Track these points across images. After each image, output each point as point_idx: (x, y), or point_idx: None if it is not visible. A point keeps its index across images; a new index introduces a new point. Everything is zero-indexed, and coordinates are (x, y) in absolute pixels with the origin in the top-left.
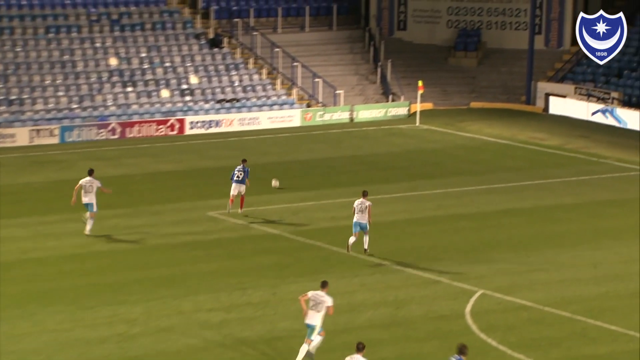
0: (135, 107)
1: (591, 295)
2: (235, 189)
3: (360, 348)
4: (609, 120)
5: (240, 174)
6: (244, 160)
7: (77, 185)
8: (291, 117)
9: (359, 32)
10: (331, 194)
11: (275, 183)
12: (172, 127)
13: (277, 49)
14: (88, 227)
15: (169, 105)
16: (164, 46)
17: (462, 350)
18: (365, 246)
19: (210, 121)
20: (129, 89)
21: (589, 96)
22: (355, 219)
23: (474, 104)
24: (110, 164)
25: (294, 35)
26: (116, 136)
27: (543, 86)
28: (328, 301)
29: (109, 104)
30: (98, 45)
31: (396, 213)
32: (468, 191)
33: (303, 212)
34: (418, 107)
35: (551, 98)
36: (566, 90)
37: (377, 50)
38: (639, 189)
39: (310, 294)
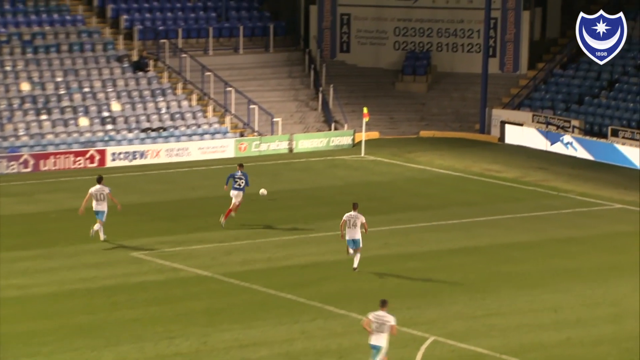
0: (50, 136)
1: (552, 342)
2: (236, 198)
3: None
4: (570, 151)
5: (242, 182)
6: (240, 165)
7: (87, 195)
8: (224, 148)
9: (298, 55)
10: (268, 232)
11: (263, 191)
12: (91, 159)
13: (208, 73)
14: (102, 235)
15: (88, 134)
16: (83, 70)
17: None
18: (355, 265)
19: (135, 152)
20: (43, 116)
21: (547, 124)
22: (347, 237)
23: (424, 133)
24: (22, 200)
25: (227, 57)
26: (29, 169)
27: (498, 113)
28: (391, 320)
29: (21, 133)
30: (8, 68)
31: (341, 253)
32: (417, 228)
33: (237, 252)
34: (363, 136)
35: (507, 126)
36: (523, 118)
37: (318, 74)
38: (602, 225)
39: (371, 316)
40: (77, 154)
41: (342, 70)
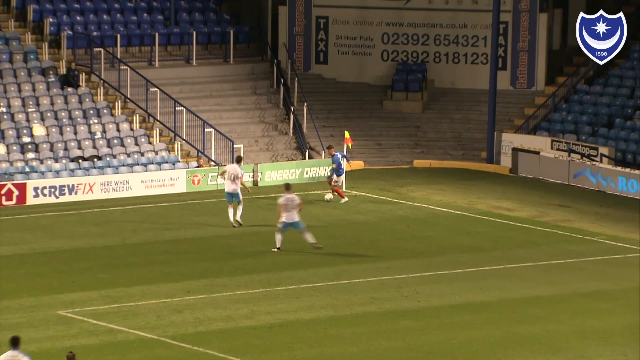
0: None
1: None
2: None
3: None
4: (597, 185)
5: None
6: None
7: (222, 171)
8: (173, 181)
9: (264, 66)
10: (226, 283)
11: (329, 197)
12: (8, 195)
13: (153, 89)
14: (239, 213)
15: (4, 165)
16: None
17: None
18: (312, 239)
19: (62, 187)
20: None
21: (570, 152)
22: (284, 219)
23: (419, 162)
24: None
25: (177, 70)
26: None
27: (510, 139)
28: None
29: None
30: None
31: (316, 309)
32: (411, 279)
33: (188, 309)
34: (344, 166)
35: (520, 155)
36: (540, 144)
37: (289, 90)
38: (636, 276)
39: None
40: None
41: (319, 86)
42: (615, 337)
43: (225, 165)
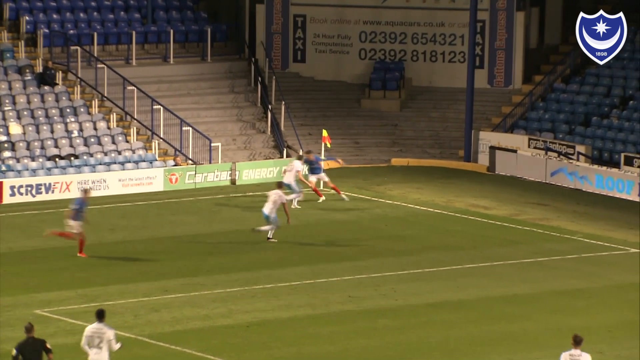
0: None
1: None
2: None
3: (578, 341)
4: (574, 183)
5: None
6: (308, 152)
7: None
8: (150, 180)
9: (241, 65)
10: (204, 282)
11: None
12: None
13: (130, 87)
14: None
15: None
16: None
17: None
18: (263, 228)
19: (39, 185)
20: None
21: (547, 150)
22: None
23: (397, 161)
24: None
25: (154, 68)
26: None
27: (487, 137)
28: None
29: None
30: None
31: (294, 308)
32: (389, 278)
33: (166, 308)
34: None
35: (498, 153)
36: (517, 143)
37: (267, 88)
38: (614, 275)
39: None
40: None
41: (296, 84)
42: (592, 335)
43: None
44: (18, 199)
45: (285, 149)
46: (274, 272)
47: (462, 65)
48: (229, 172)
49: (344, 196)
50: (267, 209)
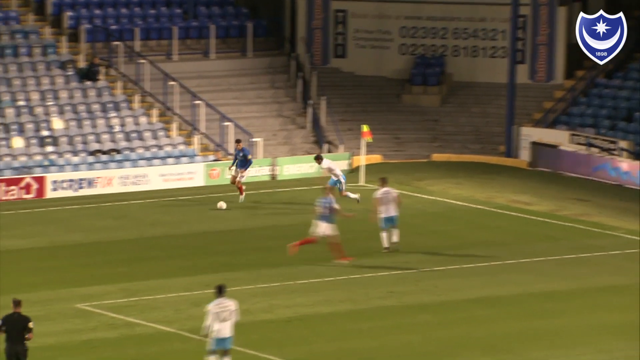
0: None
1: None
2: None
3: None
4: (617, 179)
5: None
6: (237, 141)
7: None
8: (191, 174)
9: (282, 60)
10: (244, 277)
11: (221, 204)
12: (27, 188)
13: (172, 82)
14: (395, 238)
15: (23, 158)
16: (17, 78)
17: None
18: (396, 239)
19: (81, 180)
20: None
21: (589, 146)
22: (382, 215)
23: (437, 156)
24: None
25: (195, 63)
26: None
27: (528, 132)
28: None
29: None
30: None
31: (334, 303)
32: (430, 273)
33: (206, 302)
34: (363, 160)
35: (539, 149)
36: (559, 138)
37: (307, 84)
38: None
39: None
40: (10, 182)
41: (337, 80)
42: (633, 332)
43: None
44: (60, 193)
45: (325, 144)
46: (314, 267)
47: (503, 61)
48: (270, 167)
49: (241, 198)
50: (390, 210)
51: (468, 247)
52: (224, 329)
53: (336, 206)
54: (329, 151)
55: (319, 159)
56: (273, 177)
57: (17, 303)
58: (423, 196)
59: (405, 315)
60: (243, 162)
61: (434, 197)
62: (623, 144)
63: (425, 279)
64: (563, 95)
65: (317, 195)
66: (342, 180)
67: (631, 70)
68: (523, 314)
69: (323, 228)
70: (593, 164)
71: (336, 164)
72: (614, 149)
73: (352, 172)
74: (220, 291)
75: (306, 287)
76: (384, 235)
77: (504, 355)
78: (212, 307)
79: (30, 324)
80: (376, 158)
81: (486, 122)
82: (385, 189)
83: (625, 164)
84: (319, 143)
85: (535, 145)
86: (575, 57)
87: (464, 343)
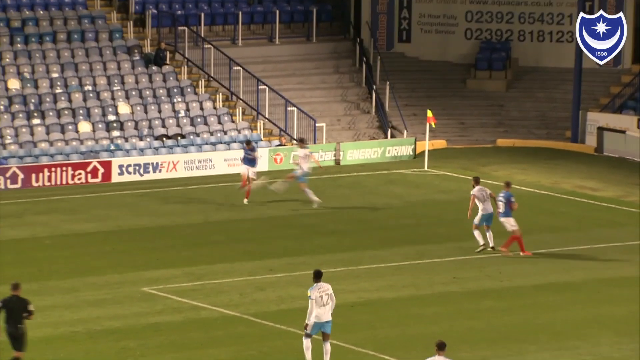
0: (43, 145)
1: None
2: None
3: (441, 347)
4: None
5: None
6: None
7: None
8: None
9: (346, 45)
10: (308, 262)
11: (278, 186)
12: (94, 172)
13: (237, 68)
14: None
15: (90, 143)
16: (84, 63)
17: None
18: (492, 243)
19: (147, 165)
20: (36, 121)
21: None
22: (481, 212)
23: (502, 142)
24: (10, 223)
25: (260, 48)
26: (17, 185)
27: (595, 118)
28: None
29: (8, 141)
30: None
31: (398, 288)
32: (494, 259)
33: (271, 287)
34: (427, 145)
35: (606, 134)
36: (626, 123)
37: (372, 69)
38: None
39: None
40: (76, 166)
41: (401, 65)
42: None
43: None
44: (126, 177)
45: (389, 130)
46: (377, 252)
47: (570, 45)
48: (334, 152)
49: (245, 202)
50: (488, 207)
51: (533, 233)
52: (325, 313)
53: (513, 200)
54: (393, 136)
55: (302, 142)
56: (337, 162)
57: (15, 286)
58: (488, 182)
59: (469, 301)
60: (253, 161)
61: (498, 183)
62: None
63: (490, 265)
64: (631, 80)
65: (381, 182)
66: (300, 176)
67: None
68: (588, 300)
69: (511, 222)
70: None
71: (309, 160)
72: None
73: (416, 158)
74: (317, 276)
75: (369, 272)
76: (477, 233)
77: (570, 342)
78: (313, 292)
79: (30, 307)
80: (440, 143)
81: (552, 107)
82: (478, 187)
83: None
84: (384, 128)
85: (602, 130)
86: None
87: (529, 329)
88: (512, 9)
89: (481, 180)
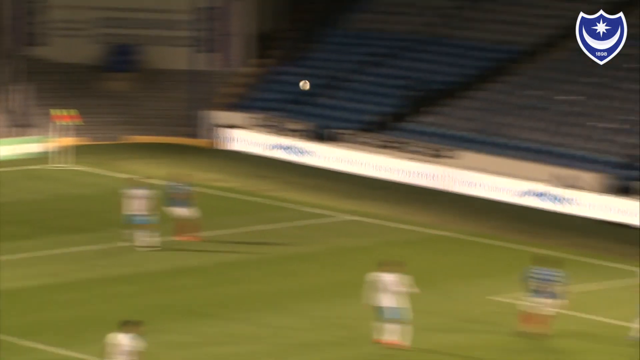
0: None
1: None
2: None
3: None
4: (293, 157)
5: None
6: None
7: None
8: None
9: None
10: None
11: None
12: None
13: None
14: None
15: None
16: None
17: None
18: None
19: None
20: None
21: (268, 127)
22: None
23: (130, 138)
24: None
25: None
26: None
27: (213, 116)
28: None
29: None
30: None
31: (38, 277)
32: (128, 248)
33: None
34: (62, 142)
35: (222, 130)
36: (241, 121)
37: (5, 69)
38: (326, 239)
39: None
40: None
41: (37, 66)
42: (308, 295)
43: None
44: None
45: (21, 128)
46: (12, 244)
47: (186, 50)
48: None
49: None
50: None
51: (168, 222)
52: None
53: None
54: (26, 134)
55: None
56: None
57: None
58: (120, 175)
59: (106, 286)
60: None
61: (129, 176)
62: (298, 125)
63: (126, 253)
64: (244, 81)
65: (15, 178)
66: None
67: (305, 58)
68: (214, 283)
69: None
70: (271, 143)
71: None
72: (291, 130)
73: (52, 155)
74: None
75: (6, 262)
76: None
77: (196, 320)
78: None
79: None
80: (74, 140)
81: (175, 106)
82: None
83: (303, 144)
84: (16, 126)
85: (219, 127)
86: (257, 46)
87: (160, 309)
88: (138, 15)
89: (112, 174)
